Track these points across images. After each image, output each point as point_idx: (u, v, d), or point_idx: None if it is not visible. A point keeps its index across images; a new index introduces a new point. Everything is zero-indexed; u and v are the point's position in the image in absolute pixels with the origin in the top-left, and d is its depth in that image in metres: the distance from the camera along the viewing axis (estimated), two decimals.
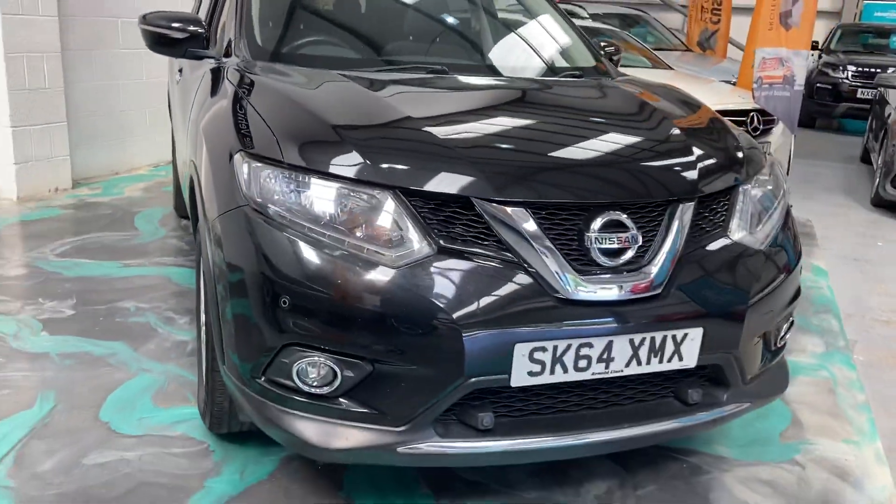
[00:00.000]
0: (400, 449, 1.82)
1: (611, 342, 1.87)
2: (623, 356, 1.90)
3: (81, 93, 5.54)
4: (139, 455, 2.29)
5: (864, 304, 4.08)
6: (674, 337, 1.93)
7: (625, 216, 1.89)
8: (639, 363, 1.92)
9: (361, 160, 1.86)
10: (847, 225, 5.87)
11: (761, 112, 6.37)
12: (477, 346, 1.76)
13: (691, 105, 2.65)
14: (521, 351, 1.79)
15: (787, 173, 6.33)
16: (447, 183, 1.84)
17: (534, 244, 1.82)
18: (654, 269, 1.90)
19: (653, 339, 1.91)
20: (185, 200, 3.15)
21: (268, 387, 1.87)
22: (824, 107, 11.36)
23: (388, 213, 1.82)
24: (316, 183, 1.84)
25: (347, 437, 1.83)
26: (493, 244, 1.83)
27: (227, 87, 2.32)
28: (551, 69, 3.01)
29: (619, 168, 2.07)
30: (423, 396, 1.80)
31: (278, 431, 1.89)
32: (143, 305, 3.38)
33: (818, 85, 11.40)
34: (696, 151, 2.17)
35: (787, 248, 2.25)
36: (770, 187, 2.33)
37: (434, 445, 1.83)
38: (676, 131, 2.26)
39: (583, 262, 1.86)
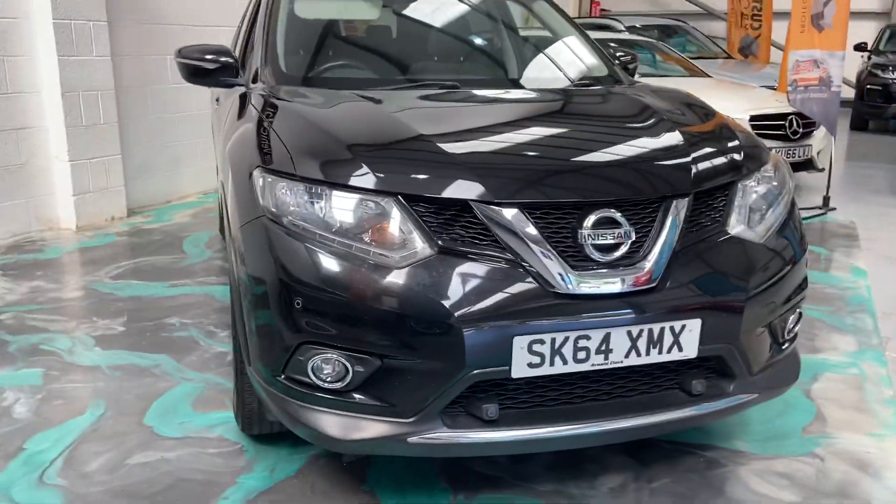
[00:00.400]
0: (410, 439, 1.94)
1: (608, 334, 1.95)
2: (622, 347, 1.97)
3: (135, 127, 5.87)
4: (178, 455, 2.45)
5: None
6: (672, 328, 2.00)
7: (617, 213, 1.98)
8: (638, 354, 2.00)
9: (367, 170, 1.99)
10: (892, 226, 5.76)
11: (801, 115, 6.34)
12: (476, 339, 1.86)
13: (695, 107, 2.71)
14: (519, 344, 1.89)
15: (829, 175, 6.26)
16: (446, 188, 1.96)
17: (529, 243, 1.92)
18: (649, 263, 1.98)
19: (650, 330, 1.98)
20: None
21: (287, 384, 2.01)
22: (875, 108, 11.13)
23: (392, 218, 1.94)
24: (325, 193, 1.99)
25: (361, 428, 1.95)
26: (491, 244, 1.93)
27: (251, 111, 2.50)
28: (562, 80, 3.11)
29: (613, 167, 2.15)
30: (430, 389, 1.91)
31: (299, 426, 2.02)
32: (187, 321, 3.58)
33: (868, 86, 11.18)
34: (692, 150, 2.24)
35: (790, 241, 2.29)
36: (774, 183, 2.38)
37: (442, 435, 1.94)
38: (673, 131, 2.34)
39: (578, 259, 1.95)
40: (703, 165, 2.20)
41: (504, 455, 2.41)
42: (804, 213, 6.00)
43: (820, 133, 6.60)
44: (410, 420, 1.94)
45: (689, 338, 2.02)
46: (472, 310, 1.86)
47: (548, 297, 1.91)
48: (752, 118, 6.45)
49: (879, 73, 11.09)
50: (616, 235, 1.96)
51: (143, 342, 3.36)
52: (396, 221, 1.94)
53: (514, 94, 2.90)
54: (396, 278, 1.89)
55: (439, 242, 1.93)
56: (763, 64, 10.13)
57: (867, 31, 13.24)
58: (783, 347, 2.32)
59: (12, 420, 2.67)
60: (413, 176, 2.00)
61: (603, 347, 1.96)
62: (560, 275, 1.91)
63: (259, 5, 3.38)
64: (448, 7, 3.42)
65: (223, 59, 2.88)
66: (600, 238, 1.95)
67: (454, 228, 1.95)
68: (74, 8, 5.13)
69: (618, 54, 3.46)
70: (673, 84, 7.07)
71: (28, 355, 3.21)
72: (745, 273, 2.10)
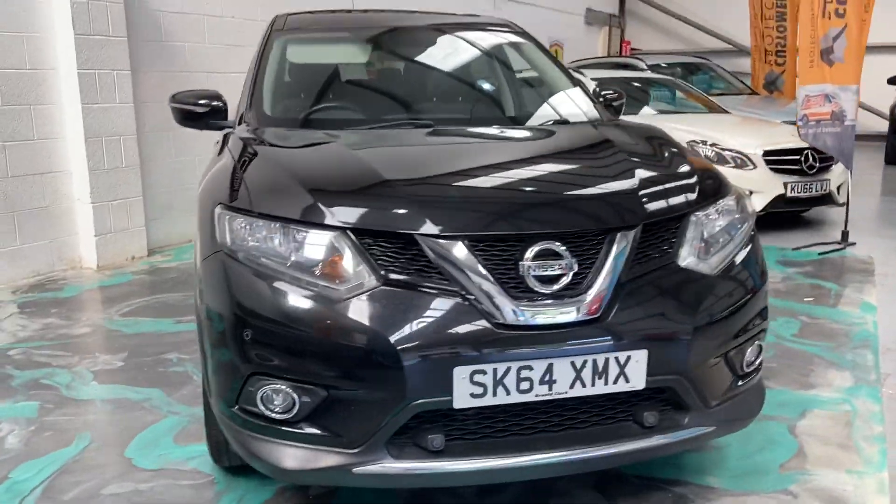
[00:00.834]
0: (356, 470, 1.97)
1: (551, 364, 1.97)
2: (566, 378, 1.99)
3: (156, 169, 6.10)
4: (151, 486, 2.52)
5: None
6: (617, 359, 2.01)
7: (559, 245, 2.01)
8: (584, 385, 2.01)
9: (318, 206, 2.07)
10: None
11: (817, 150, 6.28)
12: (416, 370, 1.90)
13: (657, 141, 2.72)
14: (460, 374, 1.92)
15: (847, 210, 6.16)
16: (391, 222, 2.02)
17: (471, 275, 1.96)
18: (592, 294, 2.00)
19: (595, 361, 2.00)
20: None
21: (241, 415, 2.07)
22: None
23: (341, 251, 2.01)
24: (278, 228, 2.07)
25: (309, 459, 2.00)
26: (436, 276, 1.98)
27: (225, 152, 2.61)
28: (535, 118, 3.17)
29: (556, 200, 2.19)
30: (373, 419, 1.95)
31: (252, 457, 2.07)
32: (185, 356, 3.68)
33: None
34: (642, 183, 2.26)
35: (746, 273, 2.29)
36: (735, 216, 2.39)
37: (387, 466, 1.97)
38: (626, 165, 2.36)
39: (521, 290, 1.99)
40: (652, 198, 2.23)
41: (469, 488, 2.43)
42: (822, 248, 5.91)
43: (839, 167, 6.52)
44: (356, 451, 1.97)
45: (635, 369, 2.03)
46: (412, 340, 1.91)
47: (489, 329, 1.94)
48: (766, 153, 6.43)
49: None
50: (557, 267, 1.99)
51: (139, 377, 3.46)
52: (344, 255, 2.01)
53: (480, 131, 2.96)
54: (340, 310, 1.94)
55: (385, 275, 1.98)
56: (788, 100, 10.04)
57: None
58: (743, 380, 2.30)
59: (3, 450, 2.78)
60: (361, 211, 2.06)
61: (546, 378, 1.98)
62: (501, 306, 1.95)
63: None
64: (431, 51, 3.52)
65: (213, 103, 3.02)
66: (541, 270, 1.98)
67: (400, 261, 2.00)
68: (99, 59, 5.39)
69: (603, 92, 3.51)
70: (691, 121, 7.14)
71: (28, 389, 3.34)
72: (693, 305, 2.10)
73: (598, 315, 2.00)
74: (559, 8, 13.95)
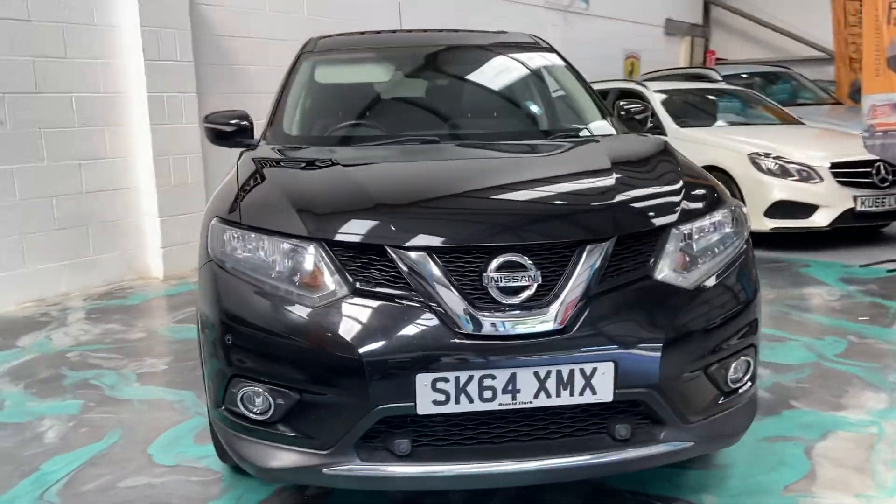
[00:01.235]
0: (325, 470, 2.06)
1: (514, 374, 2.00)
2: (529, 388, 2.02)
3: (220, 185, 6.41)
4: (164, 481, 2.69)
5: None
6: (582, 371, 2.02)
7: (523, 257, 2.04)
8: (548, 395, 2.03)
9: (297, 219, 2.18)
10: None
11: (891, 163, 5.99)
12: (379, 376, 1.97)
13: (658, 156, 2.70)
14: (423, 381, 1.98)
15: None
16: (362, 234, 2.11)
17: (436, 284, 2.02)
18: (556, 306, 2.03)
19: (559, 372, 2.02)
20: None
21: (227, 415, 2.20)
22: None
23: (315, 261, 2.11)
24: (261, 239, 2.19)
25: (282, 459, 2.10)
26: (404, 286, 2.05)
27: (235, 168, 2.77)
28: (541, 132, 3.18)
29: (523, 213, 2.22)
30: (342, 423, 2.03)
31: (235, 455, 2.20)
32: None
33: None
34: (620, 197, 2.26)
35: (732, 288, 2.25)
36: (726, 230, 2.36)
37: (355, 468, 2.05)
38: (608, 179, 2.36)
39: (485, 301, 2.03)
40: (629, 211, 2.23)
41: (458, 495, 2.47)
42: (891, 266, 5.61)
43: None
44: (326, 452, 2.06)
45: (602, 381, 2.03)
46: (375, 347, 1.98)
47: (451, 338, 1.99)
48: (834, 166, 6.18)
49: None
50: (521, 279, 2.02)
51: (177, 380, 3.68)
52: (318, 265, 2.11)
53: (477, 146, 3.00)
54: (310, 317, 2.04)
55: (355, 284, 2.07)
56: None
57: None
58: (728, 396, 2.26)
59: (41, 444, 3.02)
60: (335, 223, 2.16)
61: (510, 387, 2.01)
62: (463, 316, 2.00)
63: None
64: (448, 69, 3.61)
65: (241, 122, 3.20)
66: (504, 281, 2.02)
67: (370, 272, 2.08)
68: (167, 82, 5.76)
69: (624, 105, 3.49)
70: (758, 132, 6.94)
71: (77, 388, 3.60)
72: (666, 318, 2.09)
73: (564, 326, 2.02)
74: (636, 20, 13.78)
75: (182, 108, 5.88)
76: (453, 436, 2.09)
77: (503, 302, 2.03)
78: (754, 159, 6.36)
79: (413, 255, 2.05)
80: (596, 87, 8.64)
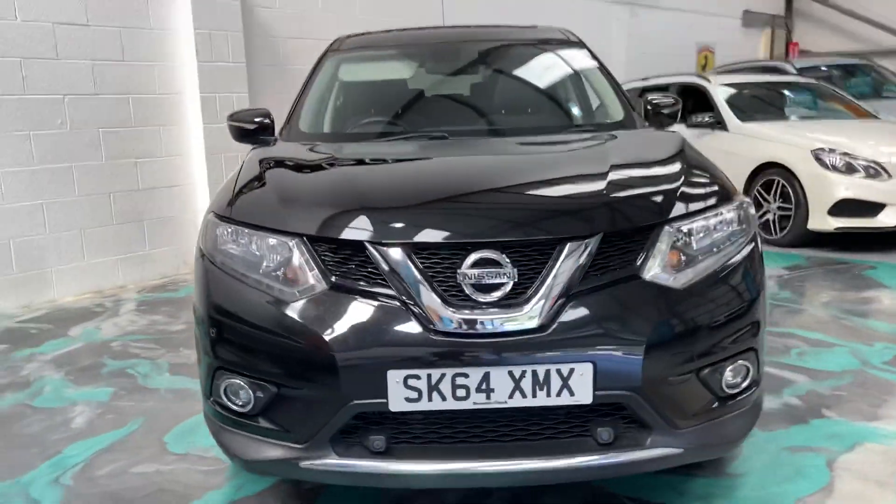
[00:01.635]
0: (302, 464, 2.07)
1: (487, 373, 1.96)
2: (504, 388, 1.97)
3: None
4: (172, 469, 2.76)
5: None
6: (559, 371, 1.96)
7: (500, 254, 2.00)
8: (524, 395, 1.98)
9: (282, 215, 2.20)
10: None
11: None
12: (352, 371, 1.97)
13: (666, 152, 2.57)
14: (394, 378, 1.96)
15: None
16: (342, 229, 2.10)
17: (411, 281, 2.00)
18: (532, 304, 1.97)
19: (535, 372, 1.96)
20: None
21: (214, 407, 2.24)
22: None
23: (296, 256, 2.12)
24: (247, 233, 2.22)
25: (261, 451, 2.12)
26: (380, 282, 2.04)
27: (241, 165, 2.81)
28: (555, 128, 3.10)
29: (505, 209, 2.17)
30: (317, 417, 2.04)
31: (221, 445, 2.24)
32: None
33: None
34: (608, 193, 2.18)
35: (729, 288, 2.14)
36: (730, 227, 2.25)
37: (331, 462, 2.05)
38: (601, 175, 2.28)
39: (460, 298, 2.00)
40: (618, 208, 2.14)
41: (453, 495, 2.44)
42: None
43: None
44: (303, 446, 2.07)
45: (580, 382, 1.97)
46: (347, 342, 1.98)
47: (424, 334, 1.97)
48: None
49: None
50: (495, 276, 1.98)
51: None
52: (299, 260, 2.12)
53: (480, 142, 2.95)
54: (287, 311, 2.06)
55: (333, 279, 2.07)
56: None
57: None
58: (726, 402, 2.15)
59: (68, 429, 3.15)
60: (316, 219, 2.16)
61: (483, 386, 1.97)
62: (437, 313, 1.97)
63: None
64: (468, 66, 3.57)
65: (262, 120, 3.26)
66: (478, 278, 1.98)
67: (348, 267, 2.08)
68: (219, 83, 5.93)
69: (653, 99, 3.36)
70: (826, 127, 6.61)
71: (113, 377, 3.75)
72: (650, 319, 2.00)
73: (540, 325, 1.97)
74: (711, 11, 13.34)
75: (234, 107, 6.03)
76: (431, 434, 2.07)
77: (478, 300, 1.99)
78: (818, 155, 6.05)
79: (389, 251, 2.03)
80: (657, 81, 8.48)
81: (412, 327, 1.98)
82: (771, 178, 6.41)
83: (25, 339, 4.44)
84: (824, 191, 5.96)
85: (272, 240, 2.18)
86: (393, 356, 1.97)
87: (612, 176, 2.28)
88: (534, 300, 1.98)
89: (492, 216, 2.13)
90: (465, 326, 1.97)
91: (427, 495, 2.47)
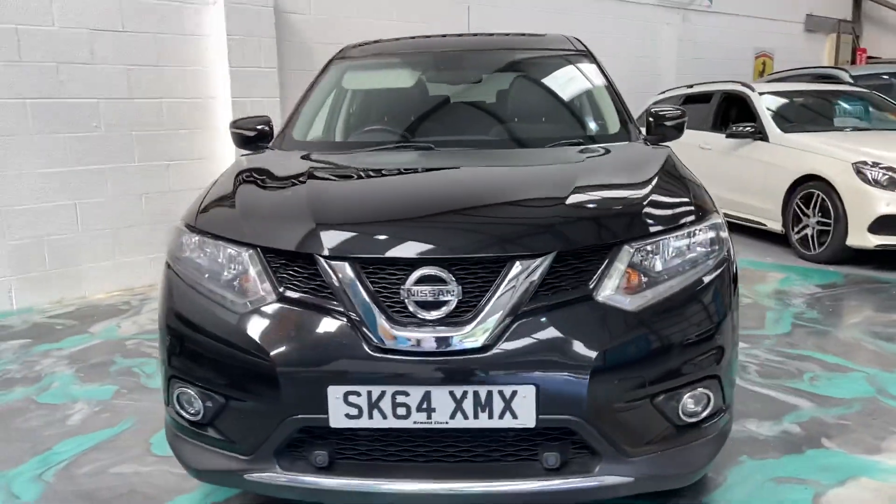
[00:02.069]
0: (247, 476, 2.08)
1: (428, 392, 1.93)
2: (445, 408, 1.94)
3: None
4: (150, 470, 2.81)
5: None
6: (501, 393, 1.92)
7: (446, 271, 1.96)
8: (465, 417, 1.94)
9: (238, 225, 2.21)
10: None
11: None
12: (292, 385, 1.96)
13: (644, 168, 2.48)
14: (334, 394, 1.95)
15: None
16: (293, 242, 2.10)
17: (355, 296, 1.98)
18: (476, 323, 1.93)
19: (476, 393, 1.92)
20: None
21: (171, 414, 2.27)
22: None
23: (249, 267, 2.13)
24: (205, 243, 2.24)
25: (209, 461, 2.14)
26: (328, 295, 2.03)
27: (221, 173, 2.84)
28: (541, 140, 3.03)
29: (455, 227, 2.12)
30: (261, 429, 2.04)
31: (174, 452, 2.26)
32: None
33: None
34: (565, 211, 2.12)
35: (690, 312, 2.06)
36: (699, 249, 2.16)
37: (275, 476, 2.05)
38: (562, 193, 2.20)
39: (404, 315, 1.97)
40: (573, 227, 2.08)
41: None
42: None
43: None
44: (248, 458, 2.08)
45: (523, 405, 1.92)
46: (289, 356, 1.98)
47: (365, 351, 1.95)
48: None
49: None
50: (438, 293, 1.95)
51: None
52: (252, 271, 2.12)
53: (458, 154, 2.90)
54: (235, 322, 2.06)
55: (282, 292, 2.07)
56: None
57: None
58: (685, 430, 2.07)
59: (63, 426, 3.25)
60: (271, 231, 2.17)
61: (424, 406, 1.94)
62: (379, 329, 1.95)
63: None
64: (464, 74, 3.53)
65: (262, 127, 3.29)
66: (421, 295, 1.95)
67: (298, 280, 2.08)
68: (251, 88, 6.04)
69: (656, 111, 3.25)
70: (872, 139, 6.30)
71: (119, 375, 3.84)
72: (598, 342, 1.94)
73: (483, 345, 1.93)
74: (770, 16, 12.93)
75: (264, 112, 6.13)
76: (376, 451, 2.05)
77: (422, 317, 1.96)
78: (860, 168, 5.78)
79: (336, 265, 2.02)
80: (701, 89, 8.26)
81: (354, 343, 1.96)
82: (810, 191, 6.16)
83: (48, 335, 4.59)
84: (864, 206, 5.69)
85: (230, 250, 2.19)
86: (334, 371, 1.96)
87: (574, 194, 2.21)
88: (478, 319, 1.94)
89: (440, 233, 2.09)
90: (406, 344, 1.94)
91: None
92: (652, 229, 2.13)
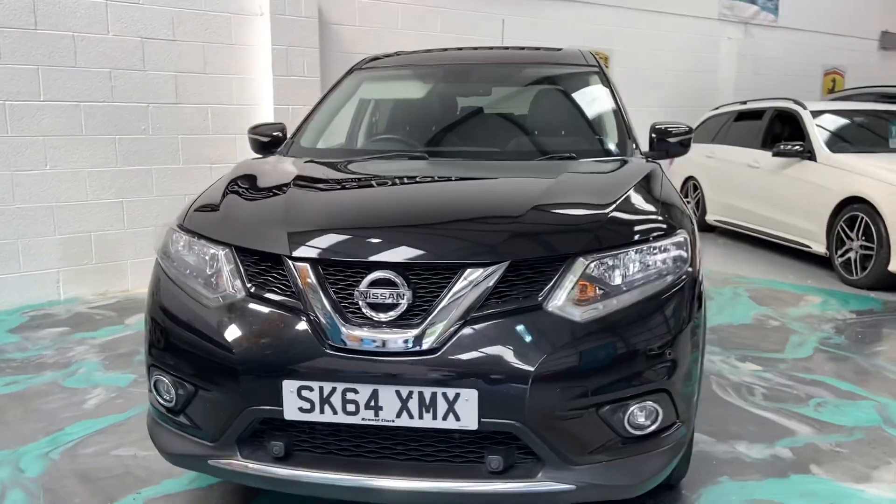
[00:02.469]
0: (210, 461, 2.20)
1: (376, 391, 2.01)
2: (392, 406, 2.01)
3: None
4: (146, 455, 2.97)
5: None
6: (445, 395, 1.98)
7: (398, 276, 2.04)
8: (410, 416, 2.01)
9: (220, 226, 2.35)
10: None
11: None
12: (249, 378, 2.07)
13: (622, 182, 2.51)
14: (289, 388, 2.05)
15: None
16: (262, 242, 2.22)
17: (313, 295, 2.08)
18: (424, 326, 2.00)
19: (421, 393, 1.99)
20: None
21: (151, 401, 2.41)
22: None
23: (223, 265, 2.26)
24: (187, 241, 2.38)
25: (179, 445, 2.27)
26: (290, 294, 2.14)
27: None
28: (530, 153, 3.06)
29: (412, 233, 2.19)
30: (224, 418, 2.15)
31: (151, 436, 2.40)
32: None
33: None
34: (522, 222, 2.17)
35: (644, 327, 2.08)
36: (659, 264, 2.18)
37: (235, 463, 2.16)
38: (525, 204, 2.26)
39: (358, 316, 2.06)
40: (527, 237, 2.13)
41: None
42: None
43: None
44: (212, 444, 2.19)
45: (465, 408, 1.98)
46: (250, 350, 2.09)
47: (318, 348, 2.04)
48: None
49: None
50: (389, 296, 2.02)
51: None
52: (226, 268, 2.25)
53: (451, 163, 2.97)
54: (204, 315, 2.19)
55: (250, 289, 2.19)
56: None
57: None
58: (633, 443, 2.08)
59: (79, 409, 3.45)
60: (246, 232, 2.29)
61: (372, 403, 2.02)
62: (332, 328, 2.04)
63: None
64: (470, 87, 3.60)
65: (275, 133, 3.45)
66: (373, 297, 2.03)
67: (265, 278, 2.19)
68: (293, 96, 6.25)
69: (659, 126, 3.26)
70: None
71: (140, 365, 4.04)
72: (541, 351, 1.98)
73: (430, 348, 2.00)
74: (840, 32, 12.54)
75: None
76: (332, 445, 2.14)
77: (375, 319, 2.04)
78: None
79: (300, 265, 2.12)
80: (753, 105, 8.08)
81: (309, 340, 2.06)
82: (855, 213, 5.98)
83: (87, 324, 4.86)
84: None
85: (211, 249, 2.32)
86: (288, 367, 2.05)
87: (539, 205, 2.26)
88: (426, 322, 2.01)
89: (397, 240, 2.17)
90: (357, 343, 2.03)
91: None
92: (610, 243, 2.15)
